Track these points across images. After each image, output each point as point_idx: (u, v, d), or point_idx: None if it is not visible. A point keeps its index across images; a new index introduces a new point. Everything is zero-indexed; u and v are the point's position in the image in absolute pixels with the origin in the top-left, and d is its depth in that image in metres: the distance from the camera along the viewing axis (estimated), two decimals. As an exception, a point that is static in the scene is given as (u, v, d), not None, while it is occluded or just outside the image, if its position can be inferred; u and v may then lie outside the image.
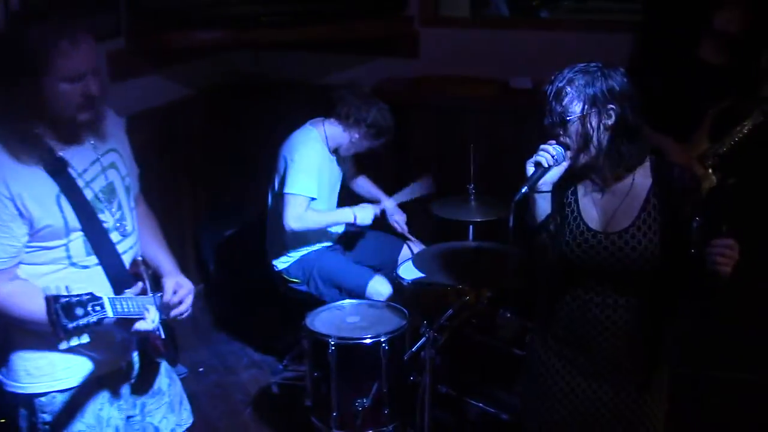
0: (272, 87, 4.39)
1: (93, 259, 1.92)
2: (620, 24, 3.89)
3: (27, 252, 1.87)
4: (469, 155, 3.40)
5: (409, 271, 3.19)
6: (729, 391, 3.30)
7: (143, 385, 2.13)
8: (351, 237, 3.60)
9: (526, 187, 1.94)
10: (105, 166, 1.97)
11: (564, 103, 1.92)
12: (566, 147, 1.96)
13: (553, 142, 1.96)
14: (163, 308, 1.98)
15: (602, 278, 2.05)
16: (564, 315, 2.13)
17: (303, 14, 3.74)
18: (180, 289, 2.01)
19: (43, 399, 1.96)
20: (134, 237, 2.04)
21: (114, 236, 1.96)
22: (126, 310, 1.82)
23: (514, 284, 2.97)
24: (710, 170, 2.89)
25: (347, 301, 3.11)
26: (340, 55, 4.23)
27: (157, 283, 2.03)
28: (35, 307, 1.71)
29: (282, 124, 3.48)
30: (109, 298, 1.77)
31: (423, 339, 2.73)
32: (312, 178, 3.26)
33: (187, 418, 2.28)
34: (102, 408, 2.01)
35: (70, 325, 1.65)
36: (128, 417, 2.11)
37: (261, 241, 3.55)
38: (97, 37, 1.86)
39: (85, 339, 1.72)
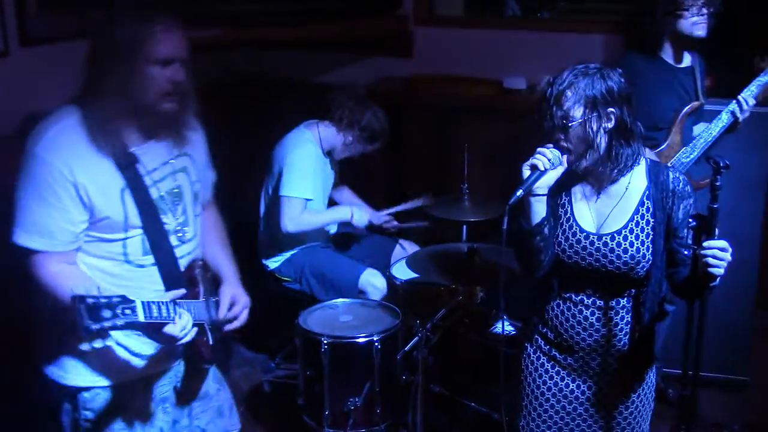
0: (268, 85, 4.38)
1: (149, 259, 1.91)
2: (615, 25, 3.90)
3: (86, 242, 1.85)
4: (463, 155, 3.40)
5: (402, 271, 3.19)
6: (715, 391, 3.34)
7: (190, 388, 2.10)
8: (343, 237, 3.60)
9: (521, 190, 1.94)
10: (176, 169, 1.96)
11: (565, 108, 1.92)
12: (565, 151, 1.96)
13: (550, 145, 1.96)
14: (215, 318, 1.97)
15: (594, 280, 2.06)
16: (555, 316, 2.14)
17: (300, 13, 3.74)
18: (236, 304, 2.02)
19: (86, 394, 1.94)
20: (194, 243, 2.03)
21: (173, 239, 1.95)
22: (162, 315, 1.79)
23: (507, 284, 2.97)
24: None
25: (340, 300, 3.10)
26: (335, 54, 4.23)
27: (215, 287, 2.02)
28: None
29: (278, 122, 3.48)
30: (142, 302, 1.73)
31: (416, 338, 2.73)
32: (307, 179, 3.26)
33: (235, 424, 2.26)
34: (146, 408, 2.00)
35: (94, 326, 1.62)
36: (174, 421, 2.08)
37: (253, 239, 3.55)
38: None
39: (110, 342, 1.70)
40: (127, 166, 1.84)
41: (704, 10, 2.86)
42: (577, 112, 1.92)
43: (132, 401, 1.97)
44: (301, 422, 2.93)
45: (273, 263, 3.46)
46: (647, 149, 2.94)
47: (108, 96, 1.77)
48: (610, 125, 1.94)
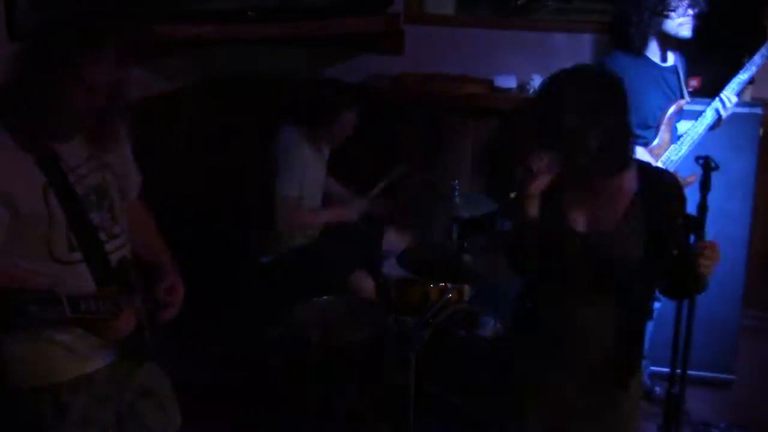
0: (258, 82, 4.37)
1: (77, 256, 1.89)
2: (604, 24, 3.91)
3: (10, 240, 1.81)
4: (453, 153, 3.41)
5: (392, 269, 3.19)
6: (701, 389, 3.36)
7: (131, 385, 2.09)
8: (333, 230, 3.60)
9: (514, 193, 1.95)
10: (99, 166, 1.94)
11: (560, 107, 1.93)
12: (559, 151, 1.97)
13: (544, 148, 1.97)
14: (151, 307, 1.95)
15: (582, 279, 2.07)
16: (544, 315, 2.15)
17: (289, 9, 3.73)
18: (174, 292, 2.00)
19: (28, 395, 1.92)
20: (123, 238, 2.00)
21: (102, 235, 1.93)
22: (92, 310, 1.77)
23: (497, 283, 2.98)
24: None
25: (329, 297, 3.10)
26: (325, 50, 4.22)
27: (149, 284, 2.00)
28: None
29: (267, 119, 3.47)
30: (69, 297, 1.71)
31: (406, 336, 2.73)
32: (298, 177, 3.26)
33: (176, 419, 2.24)
34: (89, 407, 1.98)
35: (21, 322, 1.60)
36: (117, 419, 2.06)
37: (242, 236, 3.54)
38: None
39: (45, 340, 1.68)
40: (49, 162, 1.82)
41: (690, 11, 2.89)
42: (572, 112, 1.92)
43: (74, 399, 1.95)
44: (288, 421, 2.93)
45: (264, 260, 3.45)
46: (641, 147, 2.97)
47: (28, 95, 1.75)
48: (604, 126, 1.95)
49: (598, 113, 1.93)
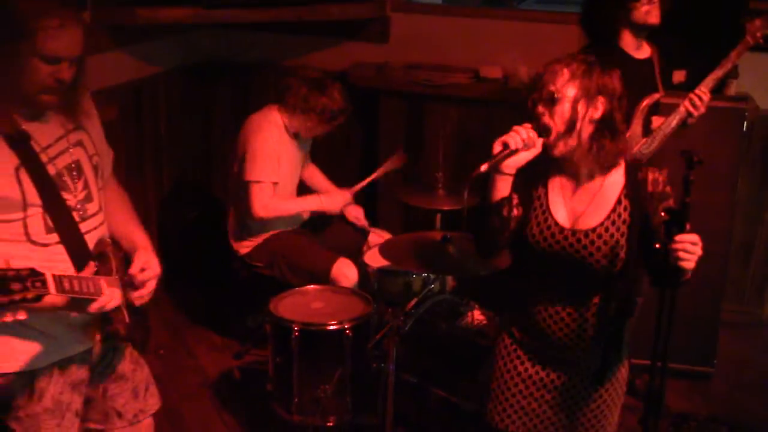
0: (240, 68, 4.33)
1: (53, 237, 1.86)
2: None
3: None
4: (438, 143, 3.40)
5: (375, 259, 3.18)
6: (681, 382, 3.39)
7: (105, 369, 2.08)
8: (316, 222, 3.58)
9: (487, 165, 1.92)
10: (72, 144, 1.90)
11: (557, 83, 1.92)
12: (545, 130, 1.95)
13: (528, 126, 1.95)
14: (127, 287, 1.93)
15: (567, 274, 2.06)
16: (528, 306, 2.14)
17: (274, -5, 3.70)
18: (147, 269, 1.96)
19: (1, 379, 1.89)
20: (99, 218, 1.98)
21: (77, 215, 1.90)
22: (75, 289, 1.75)
23: (480, 273, 2.98)
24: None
25: (312, 286, 3.08)
26: (309, 37, 4.19)
27: (126, 265, 1.97)
28: None
29: (249, 105, 3.44)
30: (53, 275, 1.69)
31: (387, 327, 2.73)
32: (272, 163, 3.24)
33: (153, 404, 2.22)
34: (62, 392, 1.96)
35: (5, 301, 1.58)
36: (88, 402, 2.06)
37: (224, 224, 3.52)
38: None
39: (21, 316, 1.65)
40: (19, 143, 1.78)
41: None
42: (569, 91, 1.92)
43: (48, 385, 1.93)
44: (270, 409, 2.92)
45: (244, 248, 3.43)
46: None
47: None
48: (596, 115, 1.94)
49: (590, 99, 1.92)
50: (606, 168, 2.01)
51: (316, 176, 3.65)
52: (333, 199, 3.43)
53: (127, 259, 2.00)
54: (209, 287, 4.08)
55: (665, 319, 1.97)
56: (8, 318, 1.65)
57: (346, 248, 3.46)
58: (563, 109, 1.93)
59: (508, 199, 2.01)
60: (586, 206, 2.03)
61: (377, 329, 2.82)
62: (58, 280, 1.70)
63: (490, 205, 2.01)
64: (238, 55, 4.34)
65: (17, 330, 1.84)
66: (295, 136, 3.37)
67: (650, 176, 2.01)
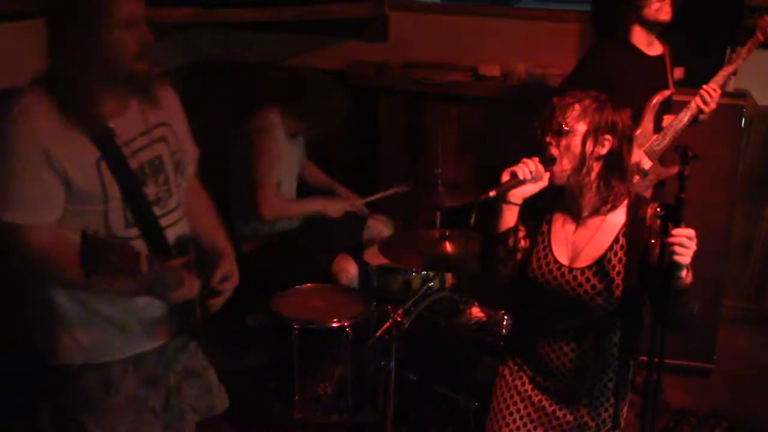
0: (241, 68, 4.34)
1: (133, 231, 1.87)
2: (586, 15, 3.91)
3: (67, 216, 1.80)
4: (437, 141, 3.40)
5: (374, 257, 3.19)
6: (680, 378, 3.39)
7: (181, 367, 2.08)
8: (315, 220, 3.59)
9: (495, 193, 1.94)
10: (154, 139, 1.90)
11: (567, 117, 1.95)
12: (552, 160, 1.97)
13: (536, 159, 1.97)
14: (205, 291, 1.96)
15: (565, 309, 2.07)
16: (527, 336, 2.16)
17: (273, -6, 3.71)
18: (227, 281, 1.99)
19: (77, 373, 1.90)
20: (178, 213, 1.98)
21: (157, 210, 1.90)
22: (163, 276, 1.79)
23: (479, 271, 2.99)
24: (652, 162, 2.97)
25: (312, 284, 3.09)
26: (309, 36, 4.20)
27: (205, 268, 1.99)
28: (71, 261, 1.64)
29: (249, 105, 3.45)
30: (146, 254, 1.72)
31: (387, 324, 2.73)
32: (276, 163, 3.25)
33: (223, 402, 2.22)
34: (138, 388, 1.96)
35: (102, 268, 1.59)
36: (166, 400, 2.05)
37: (225, 222, 3.52)
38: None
39: (99, 318, 1.71)
40: (102, 136, 1.79)
41: None
42: (579, 125, 1.95)
43: (124, 379, 1.94)
44: (270, 407, 2.93)
45: (244, 247, 3.44)
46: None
47: (76, 67, 1.73)
48: (603, 152, 1.96)
49: (598, 136, 1.94)
50: (610, 205, 2.02)
51: (315, 174, 3.66)
52: (335, 205, 3.46)
53: (205, 261, 2.03)
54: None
55: (663, 314, 1.97)
56: (94, 283, 1.68)
57: (345, 245, 3.48)
58: (571, 143, 1.95)
59: (514, 229, 2.04)
60: (586, 243, 2.04)
61: (377, 327, 2.82)
62: (150, 260, 1.72)
63: (496, 235, 2.03)
64: (237, 54, 4.34)
65: (92, 322, 1.88)
66: (293, 136, 3.39)
67: (650, 211, 2.02)
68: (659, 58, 3.04)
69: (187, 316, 1.96)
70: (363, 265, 3.27)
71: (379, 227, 3.58)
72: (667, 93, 3.00)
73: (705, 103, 2.93)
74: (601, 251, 2.02)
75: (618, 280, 2.00)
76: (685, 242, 1.81)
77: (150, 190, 1.89)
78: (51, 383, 1.94)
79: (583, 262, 2.04)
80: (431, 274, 3.11)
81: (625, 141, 1.98)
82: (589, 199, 2.02)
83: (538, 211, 2.09)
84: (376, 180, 3.95)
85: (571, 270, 2.04)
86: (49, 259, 1.78)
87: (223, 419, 3.18)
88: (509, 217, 2.02)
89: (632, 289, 2.01)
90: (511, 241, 2.04)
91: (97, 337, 1.90)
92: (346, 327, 2.78)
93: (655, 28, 2.95)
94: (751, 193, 3.82)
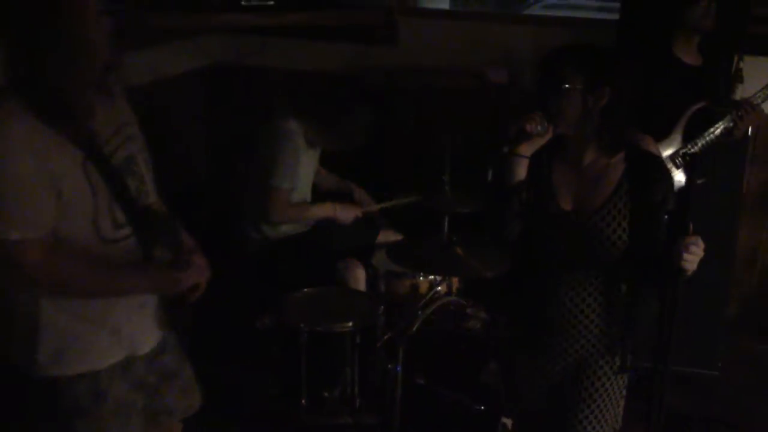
0: (251, 73, 4.36)
1: (124, 232, 1.86)
2: (599, 22, 3.93)
3: (58, 229, 1.78)
4: (445, 146, 3.41)
5: (382, 261, 3.21)
6: (684, 385, 3.39)
7: (162, 366, 2.07)
8: (325, 224, 3.61)
9: (507, 147, 1.97)
10: (124, 138, 1.91)
11: (565, 71, 1.95)
12: (553, 118, 1.99)
13: (541, 113, 1.99)
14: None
15: (569, 258, 2.08)
16: (533, 293, 2.16)
17: (283, 0, 3.73)
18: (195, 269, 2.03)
19: (65, 383, 1.86)
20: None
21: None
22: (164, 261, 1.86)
23: (486, 275, 3.01)
24: (679, 169, 2.94)
25: (319, 287, 3.11)
26: (318, 42, 4.22)
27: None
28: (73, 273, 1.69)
29: (260, 110, 3.47)
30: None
31: (395, 328, 2.75)
32: (292, 169, 3.27)
33: (197, 401, 2.21)
34: (127, 392, 1.95)
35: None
36: (148, 400, 2.03)
37: (233, 225, 3.55)
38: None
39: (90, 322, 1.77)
40: (84, 137, 1.78)
41: (713, 2, 2.79)
42: (577, 79, 1.95)
43: (113, 385, 1.92)
44: (277, 410, 2.94)
45: (253, 248, 3.46)
46: (654, 143, 2.94)
47: (50, 68, 1.70)
48: (602, 102, 1.97)
49: (597, 87, 1.95)
50: (610, 152, 2.04)
51: (327, 179, 3.68)
52: (347, 211, 3.47)
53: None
54: (215, 289, 4.10)
55: (667, 319, 1.99)
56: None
57: (356, 248, 3.50)
58: (569, 99, 1.96)
59: (525, 182, 2.05)
60: (589, 189, 2.05)
61: (384, 331, 2.84)
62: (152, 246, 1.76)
63: (510, 189, 2.05)
64: (248, 59, 4.37)
65: (80, 329, 1.86)
66: (311, 144, 3.41)
67: (650, 159, 2.05)
68: (698, 69, 2.98)
69: (176, 312, 1.97)
70: (371, 269, 3.28)
71: (388, 234, 3.59)
72: (703, 104, 2.95)
73: (740, 118, 2.89)
74: (606, 196, 2.03)
75: (624, 224, 2.02)
76: (692, 249, 1.83)
77: (132, 187, 1.89)
78: (36, 396, 1.88)
79: (587, 207, 2.05)
80: (438, 278, 3.12)
81: (624, 91, 1.99)
82: (591, 147, 2.04)
83: (539, 163, 2.10)
84: (382, 184, 3.96)
85: (577, 216, 2.05)
86: (51, 272, 1.77)
87: (230, 420, 3.22)
88: (520, 170, 2.04)
89: (637, 233, 2.02)
90: (523, 194, 2.06)
91: (81, 345, 1.87)
92: (354, 331, 2.80)
93: (696, 35, 2.90)
94: (758, 200, 3.82)
